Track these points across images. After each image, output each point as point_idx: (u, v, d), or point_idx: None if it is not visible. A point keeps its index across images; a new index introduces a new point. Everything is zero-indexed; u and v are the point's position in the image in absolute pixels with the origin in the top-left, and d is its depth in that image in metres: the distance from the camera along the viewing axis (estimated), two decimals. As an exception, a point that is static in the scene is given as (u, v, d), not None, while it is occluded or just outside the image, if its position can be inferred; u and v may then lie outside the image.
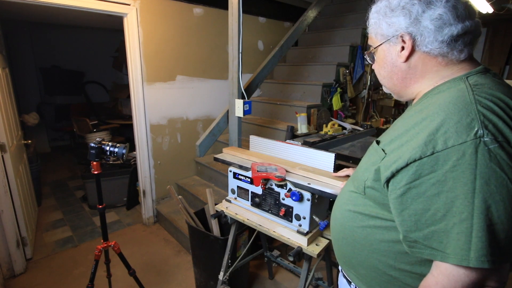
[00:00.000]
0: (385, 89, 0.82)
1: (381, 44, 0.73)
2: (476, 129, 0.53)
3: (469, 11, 0.65)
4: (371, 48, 0.78)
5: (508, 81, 0.69)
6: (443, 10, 0.63)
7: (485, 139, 0.52)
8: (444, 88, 0.65)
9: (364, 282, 0.79)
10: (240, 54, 2.03)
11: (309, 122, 2.65)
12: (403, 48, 0.69)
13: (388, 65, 0.74)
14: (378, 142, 0.72)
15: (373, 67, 0.82)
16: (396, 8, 0.67)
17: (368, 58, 0.81)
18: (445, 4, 0.63)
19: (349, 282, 0.86)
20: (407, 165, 0.58)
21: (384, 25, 0.70)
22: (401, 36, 0.68)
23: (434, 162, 0.55)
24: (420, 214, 0.58)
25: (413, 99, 0.76)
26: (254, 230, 1.60)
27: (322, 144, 2.27)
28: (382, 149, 0.68)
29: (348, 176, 1.24)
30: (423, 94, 0.70)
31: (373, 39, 0.75)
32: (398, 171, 0.60)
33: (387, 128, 0.91)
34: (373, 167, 0.69)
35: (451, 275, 0.56)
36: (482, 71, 0.65)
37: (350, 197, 0.79)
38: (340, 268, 0.92)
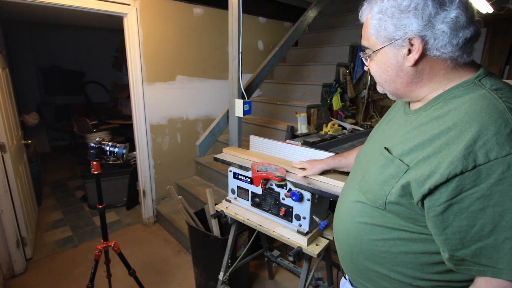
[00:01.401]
0: (380, 90, 0.77)
1: (383, 46, 0.67)
2: None
3: (475, 11, 0.62)
4: (369, 50, 0.72)
5: (508, 81, 0.68)
6: (459, 12, 0.59)
7: None
8: (460, 93, 0.63)
9: None
10: (240, 54, 2.03)
11: (309, 122, 2.65)
12: (409, 51, 0.64)
13: (392, 69, 0.68)
14: (388, 150, 0.68)
15: (366, 68, 0.77)
16: (406, 9, 0.62)
17: (364, 60, 0.76)
18: (458, 5, 0.59)
19: None
20: (447, 180, 0.55)
21: (391, 27, 0.64)
22: (410, 39, 0.63)
23: (476, 176, 0.53)
24: (465, 231, 0.56)
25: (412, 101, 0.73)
26: (254, 230, 1.60)
27: (322, 144, 2.28)
28: (401, 160, 0.64)
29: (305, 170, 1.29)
30: (433, 98, 0.67)
31: (372, 41, 0.69)
32: (436, 187, 0.57)
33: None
34: (394, 180, 0.64)
35: None
36: (488, 73, 0.64)
37: (363, 208, 0.74)
38: (347, 277, 0.89)
